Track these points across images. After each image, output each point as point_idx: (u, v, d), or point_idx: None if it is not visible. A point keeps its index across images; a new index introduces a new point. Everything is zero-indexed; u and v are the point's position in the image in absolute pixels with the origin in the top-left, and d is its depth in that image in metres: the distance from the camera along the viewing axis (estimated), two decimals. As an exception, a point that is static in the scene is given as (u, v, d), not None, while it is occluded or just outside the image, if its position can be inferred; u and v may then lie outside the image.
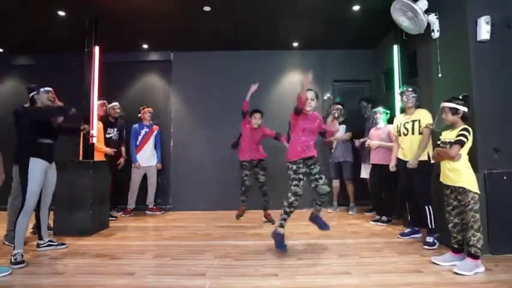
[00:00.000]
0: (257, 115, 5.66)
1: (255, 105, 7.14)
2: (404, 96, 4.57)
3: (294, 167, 4.08)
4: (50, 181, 4.18)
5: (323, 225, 4.26)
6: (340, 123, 6.55)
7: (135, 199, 6.58)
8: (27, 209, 3.78)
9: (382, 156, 5.41)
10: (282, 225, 4.03)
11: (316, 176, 4.14)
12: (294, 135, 4.23)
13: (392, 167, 4.86)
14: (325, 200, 4.26)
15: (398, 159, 4.66)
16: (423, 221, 4.28)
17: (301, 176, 4.06)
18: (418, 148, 4.34)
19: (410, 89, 4.56)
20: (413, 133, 4.44)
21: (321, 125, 4.30)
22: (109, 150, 6.17)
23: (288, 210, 4.01)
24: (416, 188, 4.35)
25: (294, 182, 4.02)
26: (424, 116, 4.38)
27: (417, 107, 4.54)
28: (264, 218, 5.69)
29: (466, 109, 3.48)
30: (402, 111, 4.76)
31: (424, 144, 4.28)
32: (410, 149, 4.46)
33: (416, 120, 4.43)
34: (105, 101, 6.32)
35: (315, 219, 4.31)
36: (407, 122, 4.52)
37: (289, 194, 4.00)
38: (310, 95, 4.19)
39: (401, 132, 4.59)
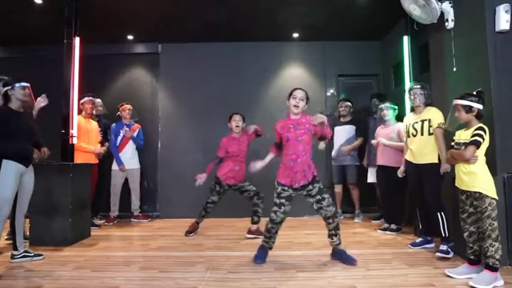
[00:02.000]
0: (236, 117, 5.32)
1: (251, 102, 7.19)
2: (412, 94, 4.57)
3: (279, 189, 3.98)
4: (26, 186, 4.14)
5: (347, 259, 3.95)
6: (348, 123, 6.56)
7: (118, 205, 6.58)
8: (0, 217, 3.76)
9: (391, 157, 5.41)
10: (263, 247, 4.12)
11: (318, 197, 3.91)
12: (284, 150, 4.05)
13: (400, 173, 4.85)
14: (335, 224, 3.95)
15: (407, 162, 4.67)
16: (436, 230, 4.27)
17: (283, 201, 3.93)
18: (437, 151, 4.33)
19: (418, 86, 4.57)
20: (422, 134, 4.44)
21: (310, 127, 3.94)
22: (98, 149, 6.21)
23: (266, 234, 4.09)
24: (426, 193, 4.35)
25: (274, 208, 3.98)
26: (435, 115, 4.38)
27: (427, 105, 4.54)
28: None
29: (480, 106, 3.47)
30: (413, 109, 4.76)
31: (442, 146, 4.23)
32: (419, 151, 4.45)
33: (425, 120, 4.43)
34: (91, 98, 6.27)
35: (338, 256, 4.05)
36: (416, 122, 4.52)
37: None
38: (299, 93, 3.98)
39: (409, 133, 4.59)
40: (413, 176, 4.55)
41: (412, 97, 4.57)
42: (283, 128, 3.99)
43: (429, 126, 4.38)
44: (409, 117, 4.73)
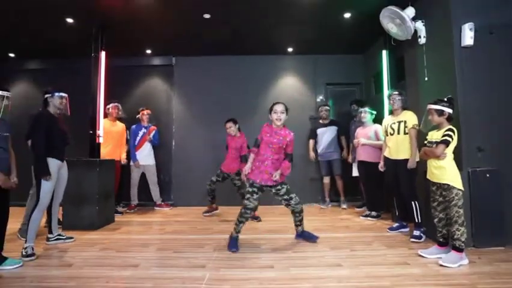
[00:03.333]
0: (227, 124, 5.66)
1: (253, 107, 7.19)
2: (391, 99, 4.59)
3: (251, 181, 3.90)
4: (62, 179, 4.15)
5: (311, 237, 4.17)
6: (328, 124, 6.58)
7: (137, 195, 6.58)
8: (42, 206, 3.77)
9: (370, 153, 5.42)
10: (236, 230, 3.91)
11: (286, 197, 3.98)
12: (260, 150, 3.95)
13: (381, 167, 4.84)
14: (300, 217, 4.15)
15: (385, 158, 4.67)
16: (410, 216, 4.27)
17: (255, 190, 3.87)
18: (410, 149, 4.32)
19: (396, 93, 4.57)
20: (398, 133, 4.45)
21: (288, 145, 3.90)
22: (123, 160, 6.38)
23: (238, 218, 3.88)
24: (402, 185, 4.35)
25: (247, 195, 3.86)
26: (410, 118, 4.39)
27: (403, 108, 4.55)
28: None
29: (450, 110, 3.48)
30: (391, 112, 4.75)
31: (414, 144, 4.26)
32: (395, 148, 4.47)
33: (401, 121, 4.44)
34: (116, 104, 6.32)
35: (302, 235, 4.24)
36: (394, 123, 4.53)
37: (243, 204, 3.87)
38: (279, 107, 3.88)
39: (388, 132, 4.60)
40: (390, 170, 4.55)
41: (391, 102, 4.58)
42: (265, 131, 3.93)
43: (405, 126, 4.39)
44: (388, 119, 4.73)
